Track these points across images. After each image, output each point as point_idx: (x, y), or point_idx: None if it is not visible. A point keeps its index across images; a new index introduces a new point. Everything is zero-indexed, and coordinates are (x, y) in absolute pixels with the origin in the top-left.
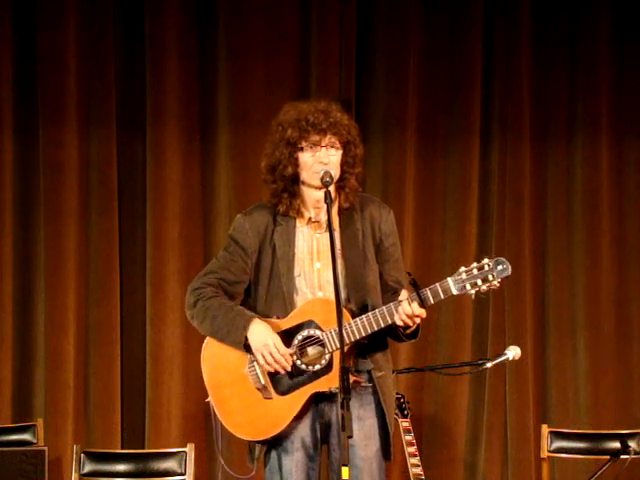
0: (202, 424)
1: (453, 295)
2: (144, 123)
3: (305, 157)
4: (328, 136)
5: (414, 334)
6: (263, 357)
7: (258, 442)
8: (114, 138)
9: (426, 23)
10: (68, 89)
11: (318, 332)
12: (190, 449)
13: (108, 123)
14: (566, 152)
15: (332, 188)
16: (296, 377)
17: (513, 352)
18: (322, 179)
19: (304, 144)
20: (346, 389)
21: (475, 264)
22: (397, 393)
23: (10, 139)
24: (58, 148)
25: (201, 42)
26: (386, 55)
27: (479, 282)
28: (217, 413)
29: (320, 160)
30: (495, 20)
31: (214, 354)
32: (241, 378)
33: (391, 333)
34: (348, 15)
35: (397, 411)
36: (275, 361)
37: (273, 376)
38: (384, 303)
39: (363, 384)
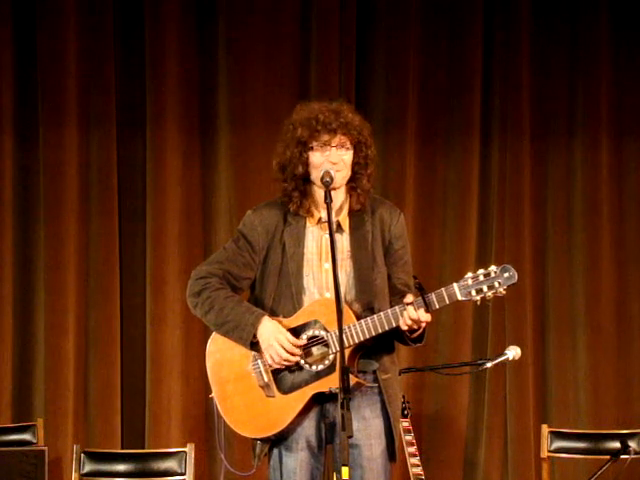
0: (202, 424)
1: (458, 300)
2: (144, 123)
3: (315, 157)
4: (338, 136)
5: (420, 339)
6: (271, 358)
7: (259, 440)
8: (114, 138)
9: (426, 23)
10: (68, 89)
11: (323, 332)
12: (190, 449)
13: (108, 123)
14: (566, 152)
15: (344, 189)
16: (299, 377)
17: (513, 352)
18: (322, 179)
19: (314, 144)
20: (346, 389)
21: (482, 270)
22: None
23: (10, 139)
24: (58, 148)
25: (201, 42)
26: (386, 55)
27: (485, 288)
28: (219, 409)
29: (330, 160)
30: (495, 20)
31: (219, 350)
32: (244, 375)
33: (397, 336)
34: (348, 15)
35: None
36: (282, 360)
37: (276, 374)
38: (392, 306)
39: (368, 384)
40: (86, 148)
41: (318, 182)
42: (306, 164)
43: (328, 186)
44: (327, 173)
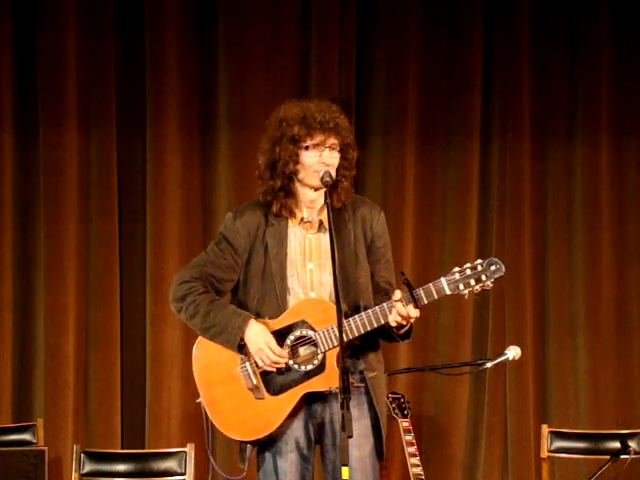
0: (202, 424)
1: (447, 295)
2: (144, 123)
3: (308, 156)
4: (332, 137)
5: (407, 334)
6: (261, 360)
7: (249, 442)
8: (114, 138)
9: (426, 23)
10: (68, 89)
11: (310, 332)
12: (190, 449)
13: (108, 123)
14: (566, 152)
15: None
16: (288, 377)
17: (513, 352)
18: (322, 179)
19: (309, 142)
20: (346, 389)
21: (468, 264)
22: (397, 393)
23: (10, 140)
24: (58, 148)
25: (201, 42)
26: (386, 55)
27: (472, 282)
28: (208, 413)
29: (323, 160)
30: (495, 20)
31: (206, 353)
32: (233, 378)
33: (383, 334)
34: (348, 15)
35: (397, 411)
36: (272, 363)
37: (265, 376)
38: (375, 304)
39: (355, 384)
40: (86, 148)
41: (306, 181)
42: (296, 162)
43: (328, 186)
44: (327, 173)
